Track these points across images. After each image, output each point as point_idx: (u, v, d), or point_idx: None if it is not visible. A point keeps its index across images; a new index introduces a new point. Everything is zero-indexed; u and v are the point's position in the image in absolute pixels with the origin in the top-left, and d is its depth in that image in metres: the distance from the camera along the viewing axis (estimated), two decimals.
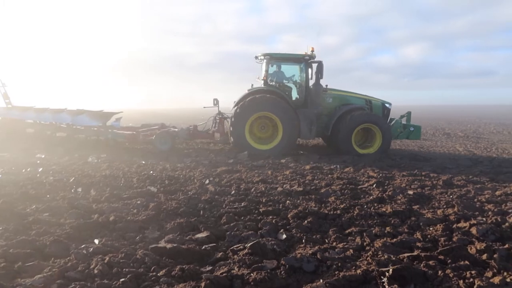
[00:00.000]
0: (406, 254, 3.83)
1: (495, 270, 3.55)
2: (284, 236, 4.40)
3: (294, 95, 12.20)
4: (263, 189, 6.69)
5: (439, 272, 3.42)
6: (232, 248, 3.96)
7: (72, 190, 6.51)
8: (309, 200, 6.02)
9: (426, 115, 40.89)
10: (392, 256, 3.75)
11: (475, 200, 6.19)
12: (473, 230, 4.60)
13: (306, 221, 4.90)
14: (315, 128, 11.70)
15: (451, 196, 6.38)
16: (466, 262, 3.69)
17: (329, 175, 8.10)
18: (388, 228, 4.70)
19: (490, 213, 5.44)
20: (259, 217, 5.12)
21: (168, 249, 3.82)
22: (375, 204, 5.81)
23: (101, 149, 11.56)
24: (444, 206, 5.75)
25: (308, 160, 10.14)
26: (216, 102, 12.44)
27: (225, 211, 5.32)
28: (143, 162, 9.62)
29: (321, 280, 3.21)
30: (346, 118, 11.44)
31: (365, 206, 5.67)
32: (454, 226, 4.86)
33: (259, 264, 3.51)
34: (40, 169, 8.34)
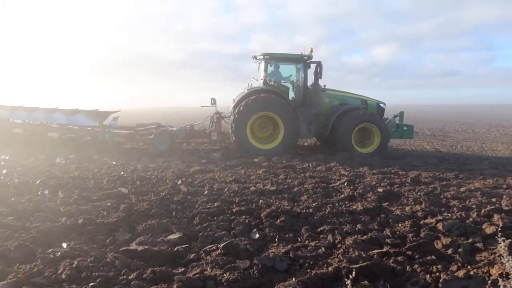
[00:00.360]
0: (376, 251, 3.93)
1: (459, 264, 3.69)
2: (257, 235, 4.42)
3: (292, 94, 12.17)
4: (236, 188, 6.68)
5: (407, 267, 3.52)
6: (205, 248, 3.94)
7: (39, 193, 6.29)
8: (282, 199, 6.06)
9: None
10: (362, 253, 3.83)
11: (441, 196, 6.41)
12: (439, 226, 4.76)
13: (279, 220, 4.93)
14: (314, 128, 11.79)
15: (418, 193, 6.58)
16: (433, 257, 3.81)
17: (302, 174, 8.18)
18: (359, 226, 4.80)
19: (455, 209, 5.64)
20: (232, 217, 5.11)
21: (139, 252, 3.76)
22: (346, 202, 5.92)
23: (70, 149, 11.23)
24: (412, 203, 5.93)
25: (281, 159, 10.21)
26: (213, 101, 12.33)
27: (198, 211, 5.28)
28: (114, 163, 9.42)
29: (293, 279, 3.24)
30: (345, 117, 11.52)
31: (337, 204, 5.77)
32: (422, 222, 5.02)
33: (232, 264, 3.50)
34: (4, 170, 8.02)
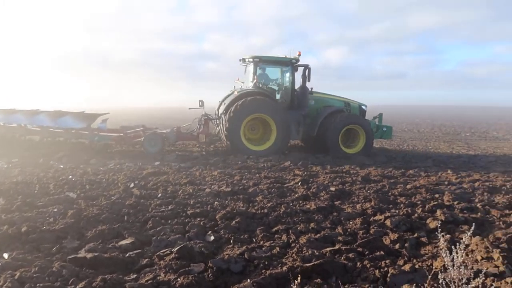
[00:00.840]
0: (328, 249, 4.04)
1: (406, 258, 3.88)
2: (212, 237, 4.39)
3: (280, 97, 12.28)
4: (191, 190, 6.60)
5: (358, 263, 3.65)
6: (158, 253, 3.85)
7: None
8: (237, 200, 6.07)
9: None
10: (315, 251, 3.93)
11: (389, 194, 6.71)
12: (388, 222, 4.98)
13: (234, 222, 4.94)
14: (302, 129, 11.99)
15: (368, 191, 6.84)
16: (381, 252, 3.98)
17: (257, 175, 8.24)
18: (312, 224, 4.90)
19: (402, 205, 5.93)
20: (186, 220, 5.05)
21: (88, 259, 3.61)
22: (300, 202, 6.03)
23: (12, 152, 10.55)
24: (363, 201, 6.15)
25: (237, 160, 10.22)
26: (201, 103, 12.36)
27: (151, 215, 5.16)
28: (61, 167, 8.96)
29: (248, 280, 3.25)
30: (332, 119, 11.80)
31: (291, 204, 5.86)
32: (371, 219, 5.23)
33: (186, 268, 3.46)
34: None
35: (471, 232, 3.03)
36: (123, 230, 4.59)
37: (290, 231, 4.63)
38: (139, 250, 4.03)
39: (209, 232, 4.59)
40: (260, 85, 12.01)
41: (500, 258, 3.76)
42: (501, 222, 5.24)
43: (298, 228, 4.76)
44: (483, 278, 2.51)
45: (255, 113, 11.36)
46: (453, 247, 1.93)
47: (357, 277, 3.45)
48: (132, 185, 6.99)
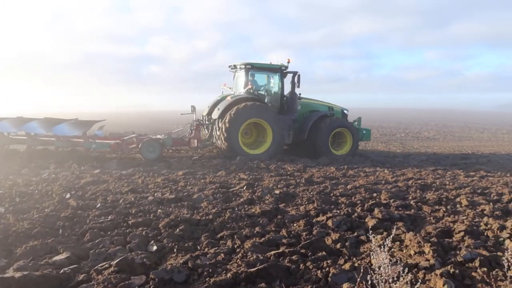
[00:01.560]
0: (272, 252, 4.07)
1: (346, 257, 4.02)
2: (155, 247, 4.26)
3: (269, 102, 12.62)
4: (132, 199, 6.36)
5: (301, 265, 3.72)
6: (96, 267, 3.66)
7: None
8: (181, 207, 5.94)
9: None
10: (260, 256, 3.94)
11: (331, 194, 6.93)
12: (329, 223, 5.14)
13: (178, 230, 4.82)
14: (292, 133, 12.48)
15: (311, 193, 7.01)
16: (323, 253, 4.09)
17: (202, 180, 8.14)
18: (257, 228, 4.92)
19: (343, 205, 6.15)
20: (128, 230, 4.85)
21: (17, 279, 3.32)
22: (246, 206, 6.04)
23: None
24: (306, 203, 6.30)
25: (181, 165, 10.04)
26: (193, 109, 12.84)
27: (89, 227, 4.89)
28: None
29: None
30: (322, 123, 12.47)
31: (236, 209, 5.85)
32: (314, 220, 5.36)
33: (126, 282, 3.31)
34: None
35: (392, 233, 3.19)
36: (58, 245, 4.31)
37: (235, 237, 4.62)
38: (75, 265, 3.80)
39: (152, 241, 4.44)
40: (251, 91, 12.39)
41: (431, 251, 4.02)
42: (431, 217, 5.62)
43: (243, 233, 4.76)
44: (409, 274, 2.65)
45: (253, 118, 11.77)
46: (379, 247, 2.02)
47: (300, 279, 3.51)
48: (68, 195, 6.59)
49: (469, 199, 6.61)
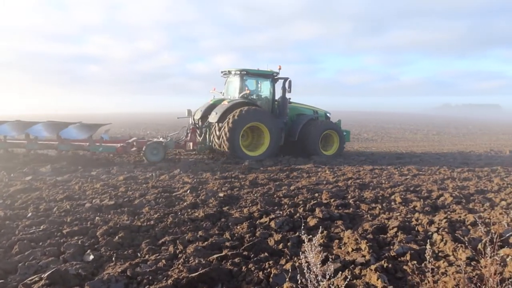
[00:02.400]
0: (215, 256, 4.05)
1: (288, 257, 4.10)
2: (92, 257, 4.06)
3: (262, 106, 13.18)
4: (68, 207, 6.01)
5: (243, 267, 3.74)
6: (24, 282, 3.41)
7: None
8: (121, 213, 5.72)
9: None
10: (202, 260, 3.90)
11: (275, 196, 7.03)
12: (272, 224, 5.21)
13: (117, 237, 4.64)
14: (283, 135, 13.14)
15: (255, 195, 7.07)
16: (266, 254, 4.14)
17: (144, 185, 7.90)
18: (200, 232, 4.87)
19: (286, 206, 6.26)
20: (62, 240, 4.57)
21: None
22: (189, 210, 5.95)
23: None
24: (250, 204, 6.34)
25: (122, 170, 9.67)
26: (189, 113, 13.40)
27: (17, 238, 4.55)
28: None
29: None
30: (312, 125, 13.36)
31: (179, 213, 5.75)
32: (257, 222, 5.41)
33: None
34: None
35: (318, 233, 3.31)
36: None
37: (178, 242, 4.54)
38: (2, 281, 3.52)
39: (88, 251, 4.23)
40: (249, 96, 12.98)
41: (367, 248, 4.21)
42: (368, 215, 5.90)
43: (186, 238, 4.68)
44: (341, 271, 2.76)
45: (252, 121, 12.30)
46: (310, 246, 2.09)
47: (242, 281, 3.52)
48: None
49: (402, 196, 7.03)
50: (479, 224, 4.18)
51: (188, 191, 7.18)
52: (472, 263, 3.80)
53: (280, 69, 13.35)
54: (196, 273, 3.48)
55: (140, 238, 4.73)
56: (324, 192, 7.23)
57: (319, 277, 1.96)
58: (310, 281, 1.98)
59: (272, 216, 5.54)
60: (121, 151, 11.65)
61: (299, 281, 2.28)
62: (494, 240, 2.27)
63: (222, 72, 13.85)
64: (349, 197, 7.08)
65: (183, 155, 13.28)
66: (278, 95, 13.68)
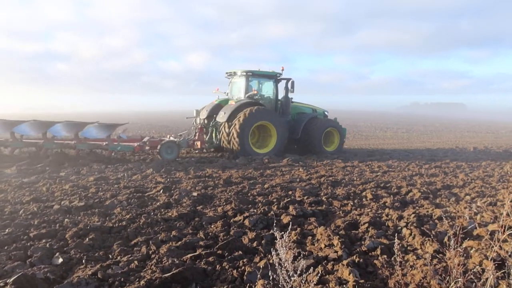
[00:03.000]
0: (189, 255, 4.02)
1: (262, 255, 4.12)
2: (61, 260, 3.94)
3: (266, 106, 13.76)
4: (35, 209, 5.81)
5: (217, 266, 3.73)
6: None
7: None
8: (91, 215, 5.59)
9: None
10: (176, 260, 3.87)
11: (249, 194, 7.05)
12: (246, 222, 5.22)
13: (87, 239, 4.53)
14: (287, 133, 13.75)
15: (229, 193, 7.06)
16: (240, 252, 4.15)
17: (116, 185, 7.74)
18: (174, 232, 4.82)
19: (260, 204, 6.29)
20: (29, 243, 4.42)
21: None
22: (162, 210, 5.88)
23: None
24: (224, 203, 6.33)
25: (92, 170, 9.44)
26: (197, 113, 14.17)
27: None
28: None
29: None
30: (314, 123, 14.10)
31: (152, 213, 5.67)
32: (231, 220, 5.41)
33: None
34: None
35: (289, 229, 3.35)
36: None
37: (150, 242, 4.47)
38: None
39: (57, 254, 4.10)
40: (256, 96, 13.68)
41: (339, 243, 4.29)
42: (341, 212, 6.01)
43: (159, 238, 4.62)
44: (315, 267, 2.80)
45: (261, 120, 12.93)
46: (280, 243, 2.12)
47: (216, 280, 3.51)
48: None
49: (373, 193, 7.20)
50: (445, 218, 4.34)
51: (161, 191, 7.10)
52: (438, 256, 3.94)
53: (283, 70, 14.03)
54: (170, 273, 3.44)
55: (111, 240, 4.64)
56: (297, 189, 7.31)
57: (291, 273, 1.98)
58: (282, 278, 2.00)
59: (246, 214, 5.55)
60: (138, 150, 12.12)
61: (270, 278, 2.31)
62: (457, 233, 2.37)
63: (226, 73, 14.48)
64: (322, 194, 7.18)
65: (155, 154, 13.13)
66: (280, 95, 14.44)
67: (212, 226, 5.19)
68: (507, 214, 2.33)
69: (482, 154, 15.53)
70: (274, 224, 4.06)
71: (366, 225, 5.13)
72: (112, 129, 11.96)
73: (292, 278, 1.95)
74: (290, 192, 7.20)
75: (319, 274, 3.32)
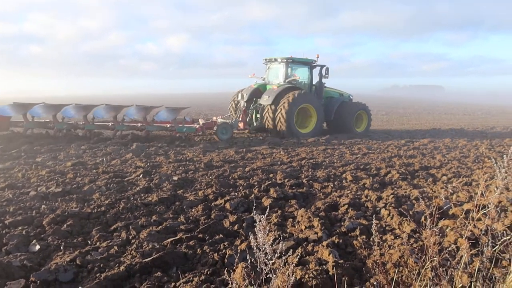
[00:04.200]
0: (169, 240, 4.00)
1: (243, 238, 4.13)
2: (38, 247, 3.87)
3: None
4: (10, 196, 5.66)
5: (198, 250, 3.73)
6: None
7: None
8: (69, 200, 5.48)
9: (192, 103, 43.61)
10: (156, 244, 3.85)
11: (230, 177, 7.04)
12: (227, 205, 5.22)
13: (65, 225, 4.45)
14: (324, 115, 15.00)
15: (210, 177, 7.04)
16: (221, 235, 4.15)
17: (94, 170, 7.59)
18: (154, 217, 4.79)
19: (241, 188, 6.29)
20: (4, 231, 4.30)
21: None
22: (142, 195, 5.81)
23: None
24: (205, 187, 6.30)
25: (70, 155, 9.24)
26: (242, 96, 15.08)
27: None
28: None
29: None
30: (346, 106, 15.58)
31: (132, 198, 5.60)
32: (212, 204, 5.40)
33: None
34: None
35: (266, 212, 3.37)
36: None
37: (130, 227, 4.43)
38: None
39: (34, 241, 4.02)
40: (293, 81, 14.66)
41: (319, 225, 4.34)
42: (321, 194, 6.07)
43: (139, 223, 4.58)
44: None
45: (304, 103, 14.04)
46: (259, 226, 2.12)
47: (197, 264, 3.51)
48: None
49: (353, 174, 7.29)
50: (422, 199, 4.43)
51: (141, 176, 7.01)
52: (415, 236, 4.04)
53: (318, 57, 15.13)
54: (150, 258, 3.43)
55: (90, 226, 4.57)
56: (278, 172, 7.33)
57: (269, 256, 1.98)
58: (260, 260, 2.00)
59: (227, 198, 5.55)
60: (200, 131, 13.13)
61: (249, 261, 2.32)
62: (433, 213, 2.41)
63: (266, 59, 15.62)
64: (302, 176, 7.23)
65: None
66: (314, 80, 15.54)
67: (193, 210, 5.17)
68: (481, 194, 2.38)
69: (458, 136, 15.90)
70: (254, 207, 4.06)
71: (346, 206, 5.21)
72: (178, 113, 12.95)
73: (270, 261, 1.95)
74: (271, 175, 7.22)
75: (299, 256, 3.35)
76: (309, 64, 15.27)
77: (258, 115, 14.73)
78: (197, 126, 13.00)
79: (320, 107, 14.76)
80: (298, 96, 13.70)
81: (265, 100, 14.09)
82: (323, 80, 15.40)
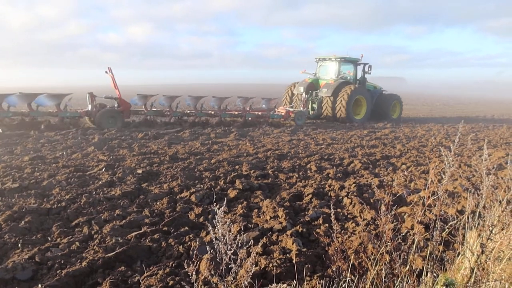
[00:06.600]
0: (134, 233, 3.96)
1: (208, 229, 4.14)
2: None
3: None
4: None
5: (163, 243, 3.71)
6: None
7: None
8: (27, 196, 5.28)
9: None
10: (120, 239, 3.79)
11: (196, 170, 7.00)
12: (193, 198, 5.21)
13: (23, 222, 4.29)
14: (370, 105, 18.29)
15: (176, 170, 6.97)
16: (186, 228, 4.15)
17: (54, 164, 7.33)
18: (117, 211, 4.70)
19: (207, 180, 6.28)
20: None
21: None
22: (105, 189, 5.69)
23: None
24: (170, 180, 6.24)
25: (27, 150, 8.87)
26: (304, 88, 17.91)
27: None
28: None
29: (39, 285, 2.89)
30: (384, 97, 19.25)
31: (94, 193, 5.47)
32: (178, 197, 5.36)
33: None
34: None
35: (224, 203, 3.41)
36: None
37: (93, 222, 4.34)
38: None
39: None
40: (345, 77, 18.05)
41: (284, 215, 4.42)
42: (286, 184, 6.17)
43: (102, 218, 4.49)
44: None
45: (358, 95, 17.29)
46: (220, 217, 2.16)
47: (162, 257, 3.50)
48: None
49: (317, 165, 7.45)
50: (381, 187, 4.61)
51: (103, 169, 6.84)
52: (376, 223, 4.20)
53: (362, 57, 18.26)
54: (113, 253, 3.38)
55: (50, 222, 4.43)
56: (244, 164, 7.37)
57: (228, 246, 2.02)
58: (221, 251, 2.03)
59: (193, 190, 5.54)
60: (286, 117, 16.11)
61: (210, 252, 2.34)
62: (389, 201, 2.54)
63: (318, 58, 19.01)
64: (268, 167, 7.31)
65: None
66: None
67: (158, 203, 5.12)
68: (431, 182, 2.53)
69: (418, 126, 16.54)
70: (215, 199, 4.09)
71: (310, 196, 5.33)
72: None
73: (229, 252, 1.99)
74: (237, 167, 7.25)
75: (264, 245, 3.42)
76: (355, 62, 18.36)
77: (314, 105, 17.83)
78: (283, 113, 16.16)
79: (369, 98, 17.95)
80: (354, 89, 16.85)
81: (325, 92, 17.28)
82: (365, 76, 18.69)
